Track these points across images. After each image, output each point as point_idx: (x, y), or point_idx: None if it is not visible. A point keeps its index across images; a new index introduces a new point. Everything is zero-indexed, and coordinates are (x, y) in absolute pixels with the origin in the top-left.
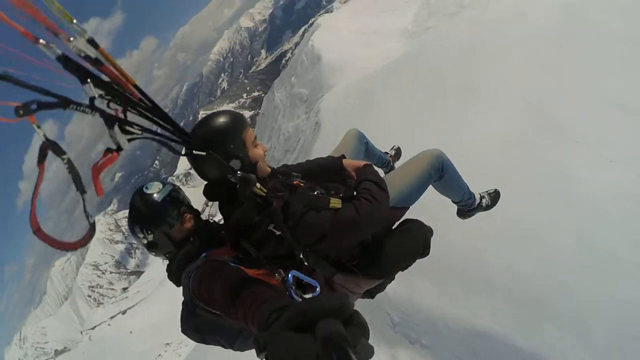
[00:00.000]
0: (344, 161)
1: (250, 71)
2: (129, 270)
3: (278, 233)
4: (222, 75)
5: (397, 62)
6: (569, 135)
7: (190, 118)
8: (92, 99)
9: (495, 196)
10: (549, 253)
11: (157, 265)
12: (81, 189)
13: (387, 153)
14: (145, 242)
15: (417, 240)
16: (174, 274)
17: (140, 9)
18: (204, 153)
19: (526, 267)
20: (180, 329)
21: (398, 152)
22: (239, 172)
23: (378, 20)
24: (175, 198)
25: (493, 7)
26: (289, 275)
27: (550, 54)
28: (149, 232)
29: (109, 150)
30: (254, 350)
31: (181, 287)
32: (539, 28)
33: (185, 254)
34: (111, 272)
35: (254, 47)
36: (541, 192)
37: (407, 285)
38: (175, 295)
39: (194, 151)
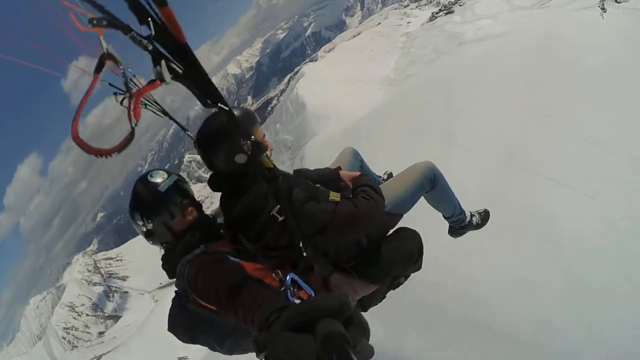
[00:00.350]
0: (341, 172)
1: None
2: (106, 314)
3: (280, 219)
4: None
5: (379, 109)
6: (547, 174)
7: (176, 161)
8: (149, 36)
9: (485, 215)
10: (537, 292)
11: (135, 311)
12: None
13: (379, 177)
14: (144, 230)
15: (412, 246)
16: (169, 264)
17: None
18: (227, 108)
19: (515, 308)
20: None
21: (390, 177)
22: (252, 136)
23: (361, 69)
24: (179, 189)
25: (468, 51)
26: (287, 277)
27: (523, 94)
28: (149, 220)
29: (151, 81)
30: (246, 355)
31: (166, 325)
32: (512, 70)
33: (184, 245)
34: (87, 315)
35: (240, 93)
36: (524, 234)
37: (393, 331)
38: (153, 343)
39: (218, 105)
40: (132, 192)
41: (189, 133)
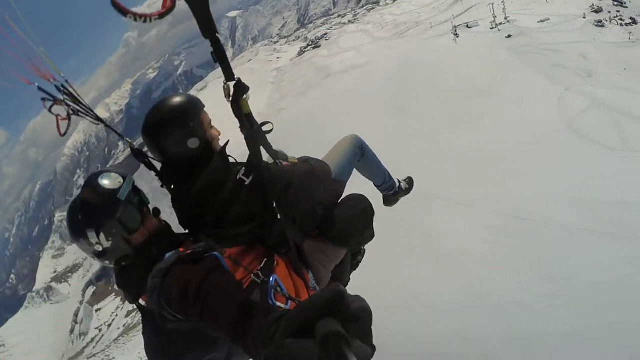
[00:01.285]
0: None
1: (108, 165)
2: None
3: (248, 181)
4: (78, 171)
5: None
6: (417, 190)
7: (46, 221)
8: None
9: (410, 181)
10: (437, 307)
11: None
12: None
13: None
14: (100, 249)
15: (363, 204)
16: (133, 282)
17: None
18: (220, 40)
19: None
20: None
21: None
22: (236, 77)
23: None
24: (138, 194)
25: (335, 82)
26: (272, 278)
27: (387, 118)
28: (108, 237)
29: None
30: None
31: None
32: (376, 97)
33: (149, 258)
34: None
35: (111, 139)
36: (408, 250)
37: None
38: None
39: (215, 36)
40: (76, 203)
41: (125, 138)
